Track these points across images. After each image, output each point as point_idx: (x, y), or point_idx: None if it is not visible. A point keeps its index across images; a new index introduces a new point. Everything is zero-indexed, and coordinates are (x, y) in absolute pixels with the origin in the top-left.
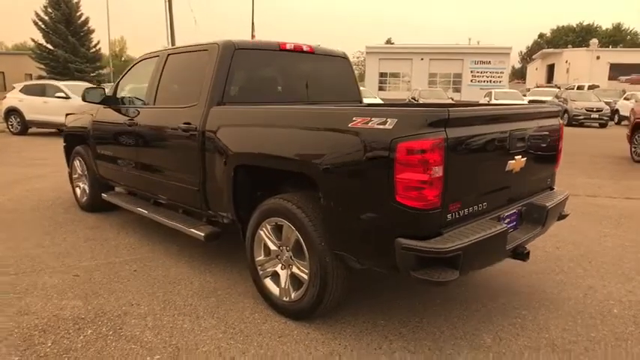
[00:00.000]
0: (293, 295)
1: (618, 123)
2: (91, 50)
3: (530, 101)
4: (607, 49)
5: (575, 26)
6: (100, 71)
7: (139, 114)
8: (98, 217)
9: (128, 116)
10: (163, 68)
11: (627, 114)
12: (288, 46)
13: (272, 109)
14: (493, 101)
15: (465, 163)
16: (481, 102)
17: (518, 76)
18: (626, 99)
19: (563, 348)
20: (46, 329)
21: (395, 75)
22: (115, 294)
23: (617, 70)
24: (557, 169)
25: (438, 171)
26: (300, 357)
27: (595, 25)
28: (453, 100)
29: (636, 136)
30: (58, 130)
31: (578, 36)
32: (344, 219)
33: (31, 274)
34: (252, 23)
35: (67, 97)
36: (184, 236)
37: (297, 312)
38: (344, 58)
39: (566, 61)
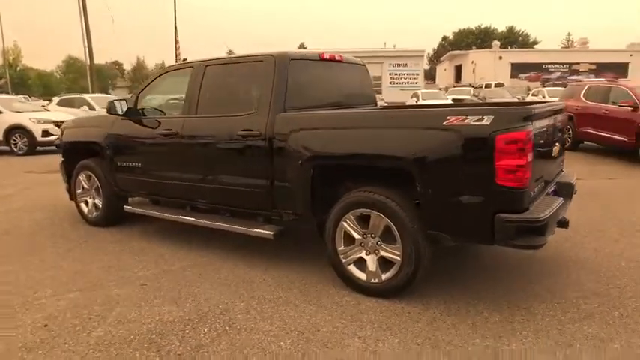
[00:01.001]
0: (383, 276)
1: None
2: None
3: (453, 99)
4: (508, 50)
5: (474, 29)
6: None
7: (179, 124)
8: (111, 230)
9: (163, 127)
10: (202, 79)
11: None
12: (325, 56)
13: (358, 113)
14: (421, 101)
15: (539, 149)
16: (408, 102)
17: (428, 77)
18: (533, 94)
19: (604, 293)
20: (162, 332)
21: None
22: (200, 296)
23: (517, 69)
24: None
25: (529, 157)
26: (412, 325)
27: (492, 28)
28: (384, 101)
29: None
30: None
31: (477, 38)
32: (443, 204)
33: (96, 289)
34: (175, 28)
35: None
36: (222, 240)
37: (388, 290)
38: (362, 65)
39: (472, 62)
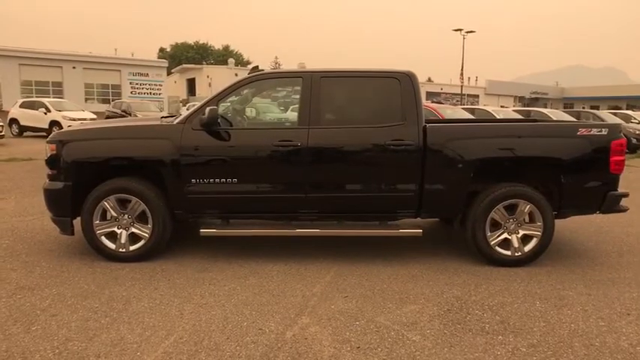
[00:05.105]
0: (526, 249)
1: None
2: None
3: None
4: (244, 67)
5: (193, 44)
6: None
7: (302, 135)
8: (147, 265)
9: (278, 138)
10: (320, 91)
11: None
12: None
13: (515, 125)
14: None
15: None
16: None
17: None
18: None
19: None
20: (458, 320)
21: (43, 84)
22: (419, 296)
23: None
24: None
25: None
26: (562, 277)
27: (209, 45)
28: (162, 110)
29: None
30: None
31: (197, 52)
32: (578, 188)
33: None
34: None
35: None
36: (315, 251)
37: (525, 260)
38: None
39: (208, 77)
